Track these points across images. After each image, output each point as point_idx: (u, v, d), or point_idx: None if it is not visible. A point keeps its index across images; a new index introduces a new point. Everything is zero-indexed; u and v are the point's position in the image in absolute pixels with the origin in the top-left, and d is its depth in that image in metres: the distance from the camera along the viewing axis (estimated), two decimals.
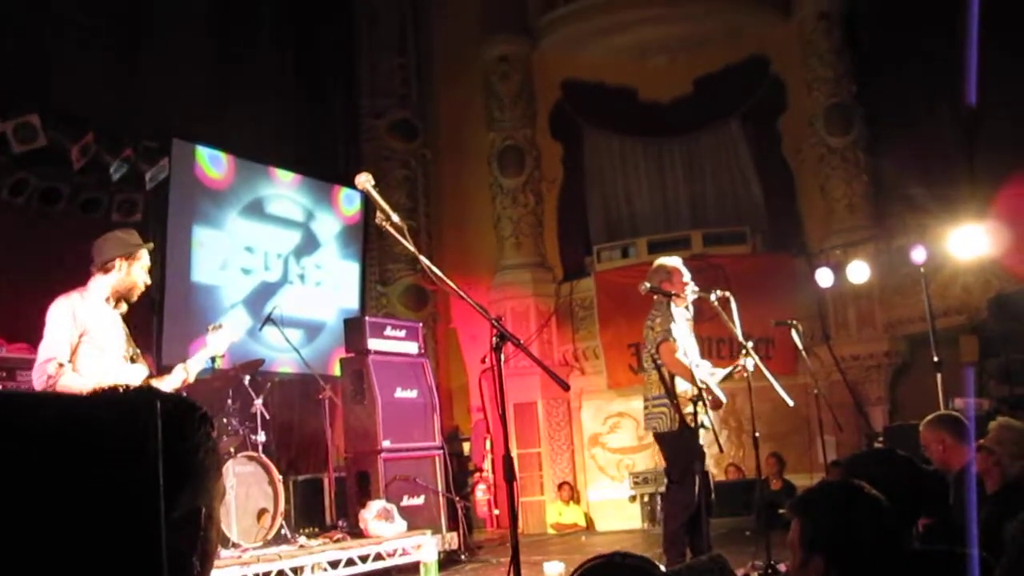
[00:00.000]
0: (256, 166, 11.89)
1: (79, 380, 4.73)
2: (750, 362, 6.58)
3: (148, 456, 1.14)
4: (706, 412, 6.39)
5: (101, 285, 5.06)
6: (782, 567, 6.47)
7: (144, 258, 5.20)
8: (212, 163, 11.27)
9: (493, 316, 3.94)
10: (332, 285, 12.72)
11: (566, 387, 3.96)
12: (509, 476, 3.62)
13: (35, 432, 1.07)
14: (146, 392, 1.22)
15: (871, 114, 12.75)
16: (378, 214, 3.91)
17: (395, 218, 3.87)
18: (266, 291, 11.68)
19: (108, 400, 1.17)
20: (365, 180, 3.96)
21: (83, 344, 4.85)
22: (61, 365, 4.67)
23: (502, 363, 3.69)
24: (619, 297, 12.61)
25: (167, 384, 5.07)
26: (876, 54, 12.80)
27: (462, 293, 3.96)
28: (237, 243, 11.45)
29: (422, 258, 3.79)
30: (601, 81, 13.92)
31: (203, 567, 1.32)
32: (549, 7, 13.93)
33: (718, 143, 13.88)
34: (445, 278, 3.88)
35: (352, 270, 13.08)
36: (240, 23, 12.30)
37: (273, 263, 11.94)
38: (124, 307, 5.14)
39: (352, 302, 12.94)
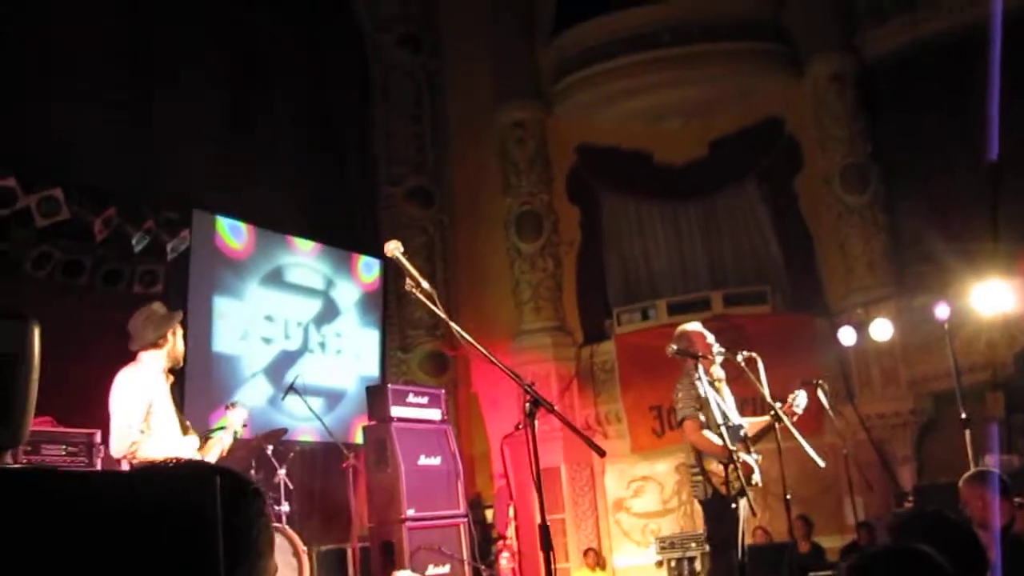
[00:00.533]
0: (275, 235, 11.95)
1: (157, 448, 4.87)
2: (800, 400, 6.52)
3: (208, 532, 1.11)
4: (737, 476, 6.30)
5: (155, 359, 5.29)
6: None
7: (179, 329, 5.37)
8: (232, 233, 11.33)
9: (521, 381, 3.90)
10: (352, 353, 12.70)
11: (602, 453, 3.92)
12: (546, 545, 3.56)
13: (102, 510, 1.05)
14: (204, 466, 1.20)
15: (888, 172, 12.75)
16: (407, 281, 3.91)
17: (425, 284, 3.87)
18: (287, 360, 11.66)
19: (168, 475, 1.14)
20: (395, 248, 3.97)
21: (150, 416, 4.99)
22: (142, 432, 4.85)
23: (535, 429, 3.64)
24: (640, 360, 12.56)
25: (210, 455, 5.17)
26: (891, 112, 12.85)
27: (494, 358, 3.93)
28: (257, 312, 11.46)
29: (453, 325, 3.77)
30: (616, 145, 14.00)
31: None
32: (562, 73, 14.06)
33: (735, 204, 13.91)
34: (476, 343, 3.85)
35: (372, 337, 13.07)
36: (256, 94, 12.45)
37: (293, 332, 11.94)
38: (171, 379, 5.33)
39: (372, 369, 12.90)
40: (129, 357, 5.60)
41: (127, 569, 1.06)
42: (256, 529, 1.29)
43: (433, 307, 3.86)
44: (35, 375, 1.25)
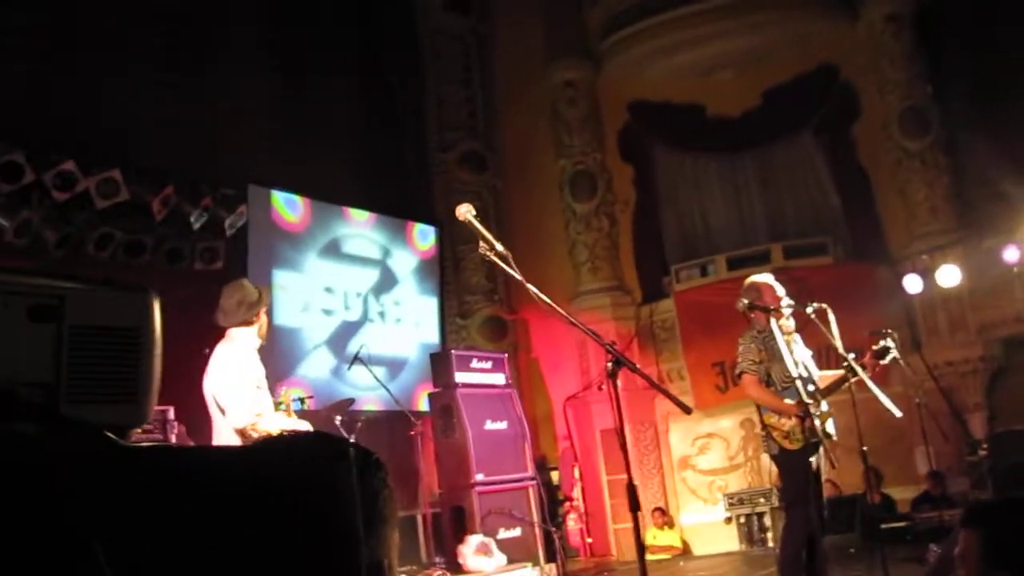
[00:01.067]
0: (331, 207, 11.99)
1: (269, 422, 4.88)
2: (889, 348, 6.40)
3: (346, 502, 1.08)
4: (813, 428, 6.20)
5: (247, 336, 5.29)
6: None
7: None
8: (288, 207, 11.38)
9: (602, 341, 3.84)
10: (412, 321, 12.74)
11: (688, 410, 3.85)
12: (634, 506, 3.52)
13: (240, 485, 1.02)
14: (335, 437, 1.17)
15: (949, 113, 12.45)
16: (481, 244, 3.86)
17: (499, 247, 3.81)
18: (347, 331, 11.72)
19: (301, 447, 1.11)
20: (467, 211, 3.91)
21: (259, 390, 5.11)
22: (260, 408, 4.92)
23: (618, 388, 3.59)
24: (701, 316, 12.47)
25: (304, 429, 5.22)
26: (949, 51, 12.52)
27: (573, 319, 3.88)
28: (317, 284, 11.52)
29: (531, 287, 3.71)
30: (668, 100, 13.81)
31: None
32: (611, 30, 13.86)
33: (792, 155, 13.67)
34: (554, 304, 3.80)
35: (431, 305, 13.09)
36: (306, 66, 12.42)
37: (353, 302, 11.99)
38: None
39: (432, 337, 12.93)
40: (197, 332, 5.66)
41: (272, 540, 1.03)
42: (382, 498, 1.26)
43: (509, 269, 3.80)
44: (158, 349, 1.21)
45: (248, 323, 5.28)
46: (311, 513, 1.06)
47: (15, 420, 1.06)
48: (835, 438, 6.41)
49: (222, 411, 5.02)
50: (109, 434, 1.05)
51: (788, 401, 6.29)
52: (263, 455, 1.17)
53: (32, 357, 1.11)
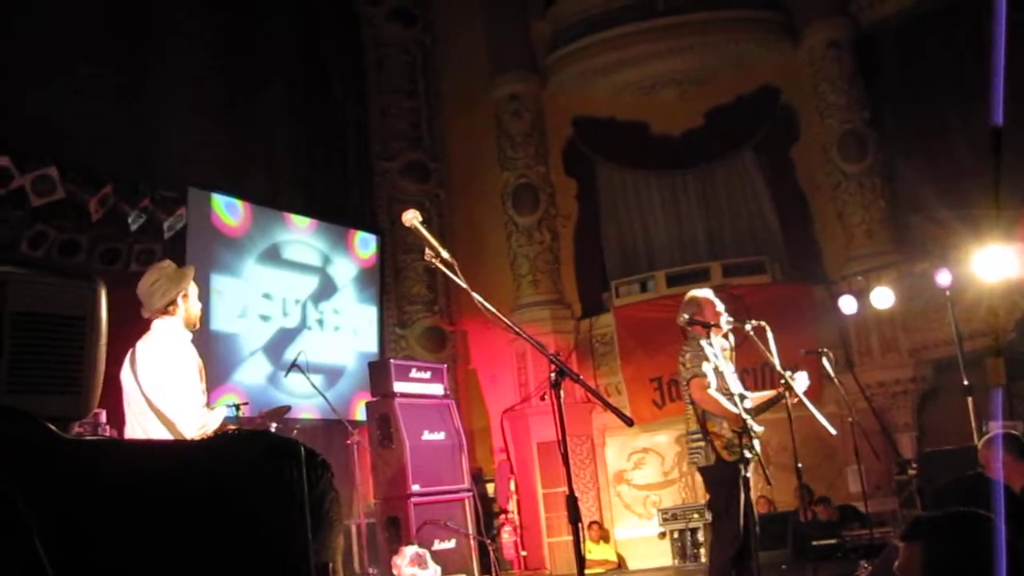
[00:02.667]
0: (272, 212, 11.87)
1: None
2: (801, 381, 6.45)
3: (296, 502, 1.05)
4: (750, 444, 6.26)
5: (169, 328, 4.94)
6: None
7: (193, 287, 5.09)
8: (228, 211, 11.24)
9: (546, 352, 3.83)
10: (350, 329, 12.65)
11: (630, 422, 3.85)
12: (574, 517, 3.50)
13: (187, 480, 0.99)
14: (285, 438, 1.14)
15: (887, 138, 12.69)
16: (427, 251, 3.82)
17: (445, 254, 3.79)
18: (285, 337, 11.60)
19: (249, 444, 1.08)
20: (412, 217, 3.87)
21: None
22: (205, 406, 4.71)
23: (561, 398, 3.58)
24: (639, 332, 12.55)
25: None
26: (889, 77, 12.78)
27: (517, 328, 3.87)
28: (255, 290, 11.38)
29: (476, 295, 3.69)
30: (612, 116, 13.92)
31: None
32: (556, 45, 13.95)
33: (732, 174, 13.84)
34: (499, 314, 3.79)
35: (370, 313, 13.01)
36: (249, 71, 12.32)
37: (291, 309, 11.88)
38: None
39: (371, 346, 12.85)
40: (132, 335, 5.38)
41: (219, 537, 1.00)
42: (328, 500, 1.24)
43: (455, 277, 3.78)
44: (103, 340, 1.17)
45: (167, 312, 4.93)
46: (259, 510, 1.03)
47: None
48: (758, 457, 6.43)
49: (168, 423, 4.76)
50: (50, 425, 1.02)
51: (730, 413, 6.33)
52: (211, 450, 1.14)
53: None
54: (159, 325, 4.92)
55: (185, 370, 4.79)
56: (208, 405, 5.09)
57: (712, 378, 6.38)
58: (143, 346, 4.85)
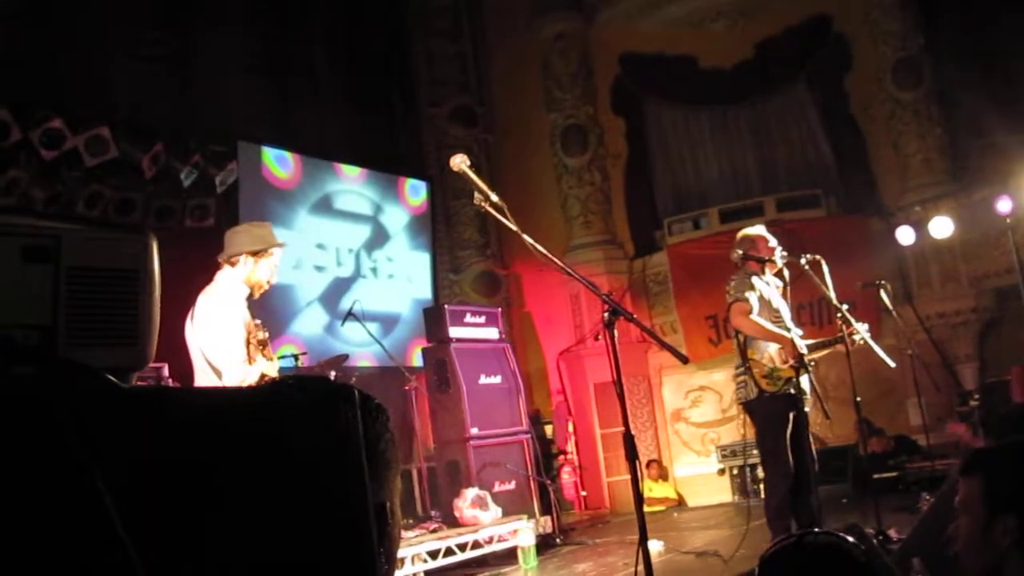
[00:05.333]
0: (322, 163, 11.91)
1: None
2: (863, 327, 6.39)
3: (353, 444, 1.07)
4: (806, 374, 6.20)
5: (229, 279, 5.05)
6: (892, 532, 6.31)
7: (275, 256, 5.14)
8: (279, 163, 11.30)
9: (599, 292, 3.82)
10: (404, 277, 12.72)
11: (685, 360, 3.85)
12: (631, 455, 3.52)
13: (246, 425, 1.01)
14: (341, 383, 1.15)
15: (942, 64, 12.36)
16: (476, 195, 3.82)
17: (494, 197, 3.78)
18: (340, 287, 11.70)
19: (307, 389, 1.10)
20: (460, 161, 3.86)
21: (249, 344, 4.93)
22: (247, 362, 4.75)
23: (615, 338, 3.58)
24: (693, 269, 12.47)
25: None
26: (943, 2, 12.42)
27: (569, 269, 3.86)
28: (309, 241, 11.47)
29: (526, 237, 3.69)
30: (660, 52, 13.70)
31: (389, 567, 1.25)
32: None
33: (784, 106, 13.58)
34: (550, 255, 3.78)
35: (423, 260, 13.06)
36: (290, 23, 12.31)
37: (345, 258, 11.96)
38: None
39: (425, 292, 12.92)
40: (190, 290, 5.48)
41: (279, 478, 1.02)
42: (384, 442, 1.25)
43: (505, 220, 3.77)
44: (157, 292, 1.19)
45: (231, 263, 5.05)
46: (317, 452, 1.05)
47: (13, 362, 1.04)
48: (809, 394, 6.38)
49: (216, 372, 4.88)
50: (109, 376, 1.04)
51: (775, 346, 6.28)
52: (267, 395, 1.16)
53: (28, 299, 1.09)
54: (219, 276, 5.04)
55: (230, 322, 4.85)
56: (269, 356, 5.17)
57: (755, 304, 6.31)
58: (201, 297, 4.97)
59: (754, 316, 6.25)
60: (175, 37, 10.59)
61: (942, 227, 11.06)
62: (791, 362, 6.20)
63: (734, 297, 6.40)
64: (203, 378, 4.88)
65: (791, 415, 6.29)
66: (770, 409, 6.30)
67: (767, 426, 6.39)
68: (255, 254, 5.04)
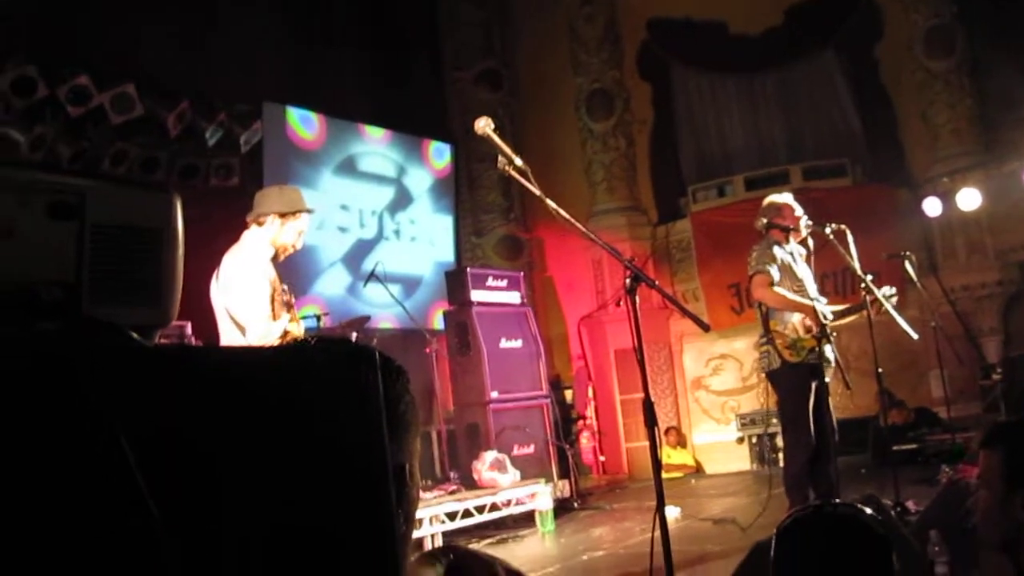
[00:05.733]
0: (346, 124, 11.91)
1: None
2: (890, 290, 6.38)
3: (373, 405, 1.07)
4: (828, 344, 6.19)
5: (257, 238, 5.09)
6: (911, 504, 6.31)
7: (302, 220, 5.21)
8: (303, 123, 11.31)
9: (621, 257, 3.80)
10: (427, 239, 12.74)
11: (706, 327, 3.84)
12: (651, 421, 3.53)
13: (266, 384, 1.01)
14: (360, 344, 1.16)
15: (975, 34, 12.18)
16: (500, 158, 3.81)
17: (518, 161, 3.76)
18: (362, 248, 11.74)
19: (327, 349, 1.10)
20: (485, 124, 3.84)
21: (273, 302, 5.00)
22: (274, 319, 4.81)
23: (636, 304, 3.57)
24: (717, 237, 12.41)
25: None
26: None
27: (592, 235, 3.85)
28: (332, 202, 11.50)
29: (549, 202, 3.67)
30: (688, 17, 13.57)
31: (407, 528, 1.26)
32: None
33: (813, 74, 13.42)
34: (574, 220, 3.77)
35: (446, 223, 13.07)
36: None
37: (368, 220, 11.99)
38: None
39: (448, 255, 12.94)
40: (214, 249, 5.53)
41: (298, 438, 1.02)
42: (404, 403, 1.25)
43: (528, 184, 3.76)
44: (180, 250, 1.20)
45: (259, 222, 5.12)
46: (336, 413, 1.06)
47: (37, 318, 1.05)
48: (833, 363, 6.38)
49: (240, 329, 4.94)
50: (132, 334, 1.05)
51: (798, 316, 6.28)
52: (289, 355, 1.16)
53: (53, 256, 1.10)
54: (246, 235, 5.11)
55: (255, 278, 4.92)
56: (294, 319, 5.22)
57: (776, 275, 6.31)
58: (227, 257, 5.03)
59: (776, 288, 6.24)
60: None
61: (970, 199, 10.96)
62: (815, 331, 6.18)
63: (755, 269, 6.40)
64: (228, 337, 4.95)
65: (813, 384, 6.29)
66: (793, 379, 6.30)
67: (789, 395, 6.40)
68: (283, 216, 5.11)
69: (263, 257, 5.09)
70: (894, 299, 6.44)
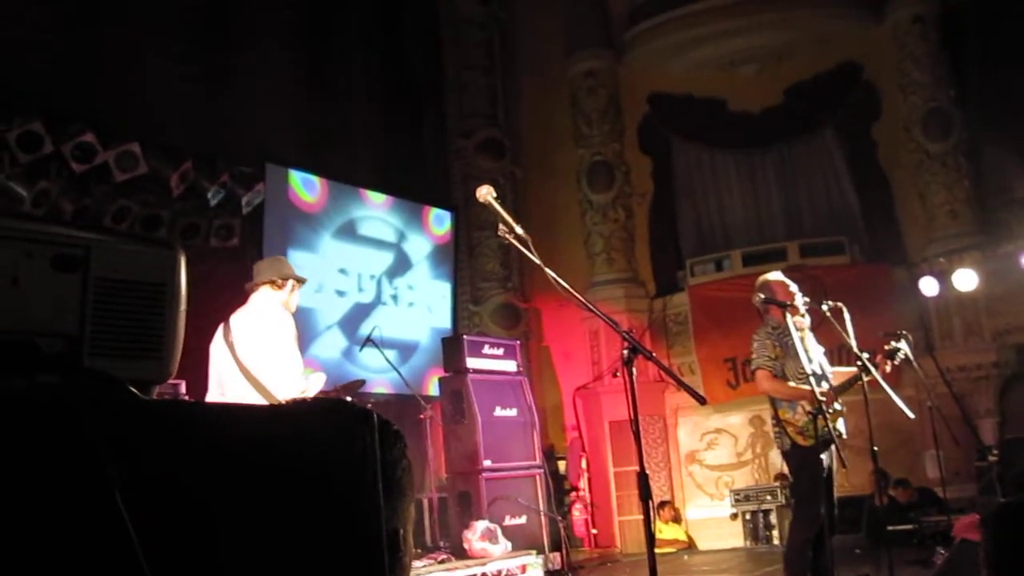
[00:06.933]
0: (348, 188, 11.97)
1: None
2: (903, 347, 6.39)
3: (369, 469, 1.07)
4: (831, 424, 6.16)
5: (271, 300, 5.17)
6: None
7: (299, 291, 5.45)
8: (305, 187, 11.36)
9: (619, 328, 3.80)
10: (424, 305, 12.73)
11: (703, 400, 3.83)
12: (645, 495, 3.50)
13: (265, 443, 1.01)
14: (359, 406, 1.16)
15: (971, 117, 12.36)
16: (500, 226, 3.82)
17: (519, 230, 3.78)
18: (360, 312, 11.72)
19: (326, 410, 1.10)
20: (487, 192, 3.87)
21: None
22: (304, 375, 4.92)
23: (633, 375, 3.57)
24: (714, 311, 12.44)
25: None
26: (975, 54, 12.43)
27: (590, 305, 3.85)
28: (331, 265, 11.51)
29: (549, 271, 3.68)
30: (689, 93, 13.77)
31: None
32: (633, 22, 13.85)
33: (811, 152, 13.60)
34: (572, 290, 3.78)
35: (444, 290, 13.08)
36: (329, 48, 12.43)
37: (367, 284, 11.99)
38: None
39: (445, 322, 12.92)
40: (212, 309, 5.57)
41: (294, 498, 1.02)
42: (400, 468, 1.25)
43: (528, 253, 3.77)
44: (183, 307, 1.20)
45: (274, 284, 5.26)
46: (334, 475, 1.05)
47: (38, 370, 1.05)
48: (845, 437, 6.39)
49: (258, 385, 4.92)
50: (132, 388, 1.04)
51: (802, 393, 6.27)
52: (289, 415, 1.16)
53: (56, 308, 1.10)
54: (260, 297, 5.17)
55: (285, 337, 4.99)
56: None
57: (777, 367, 6.33)
58: (240, 316, 5.06)
59: (777, 380, 6.29)
60: (211, 55, 10.69)
61: (966, 280, 11.01)
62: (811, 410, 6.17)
63: (756, 364, 6.44)
64: (230, 393, 4.94)
65: (825, 460, 6.30)
66: (806, 458, 6.30)
67: (803, 472, 6.39)
68: (298, 282, 5.32)
69: (286, 313, 5.20)
70: (899, 355, 6.45)
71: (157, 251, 1.21)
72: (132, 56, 9.71)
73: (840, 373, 6.67)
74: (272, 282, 5.26)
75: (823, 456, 6.25)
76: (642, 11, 13.67)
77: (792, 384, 6.28)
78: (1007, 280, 11.37)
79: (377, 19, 13.38)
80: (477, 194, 3.92)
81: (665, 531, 12.28)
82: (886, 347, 6.41)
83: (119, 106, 9.52)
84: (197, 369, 5.54)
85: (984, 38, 12.35)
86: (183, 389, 7.50)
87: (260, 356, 4.94)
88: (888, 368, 6.40)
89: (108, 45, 9.49)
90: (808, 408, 6.22)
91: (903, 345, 6.43)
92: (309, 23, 12.07)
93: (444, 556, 7.97)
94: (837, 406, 6.42)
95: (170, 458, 0.99)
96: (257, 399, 4.83)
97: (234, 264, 9.50)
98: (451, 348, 9.54)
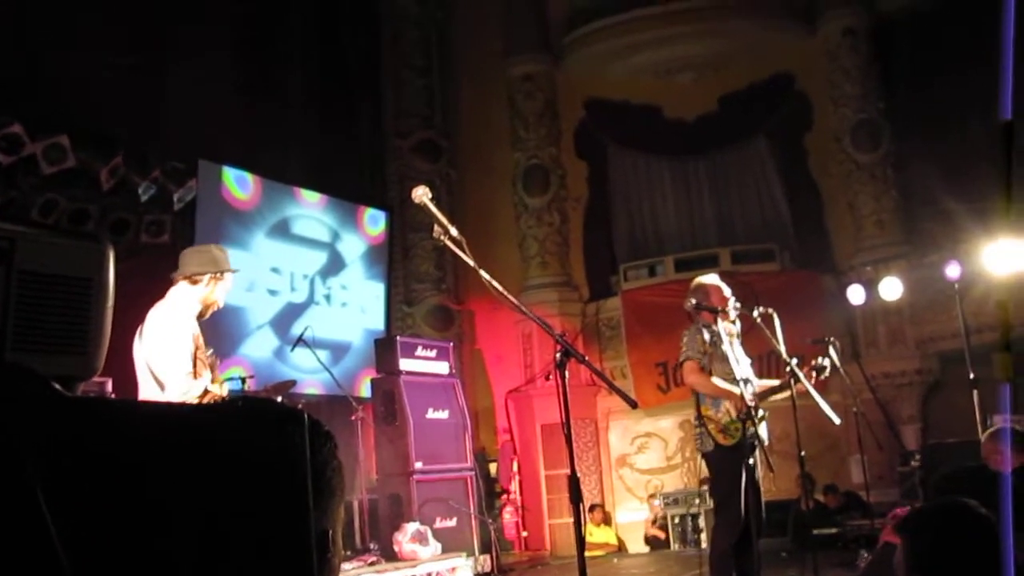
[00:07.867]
0: (282, 187, 11.85)
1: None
2: (825, 362, 6.47)
3: (298, 470, 1.05)
4: (755, 427, 6.24)
5: (185, 296, 5.07)
6: None
7: (229, 280, 5.22)
8: (238, 184, 11.23)
9: (552, 332, 3.81)
10: (357, 306, 12.65)
11: (634, 404, 3.85)
12: (576, 497, 3.50)
13: (191, 441, 0.99)
14: (289, 406, 1.14)
15: (900, 129, 12.64)
16: (435, 228, 3.81)
17: (454, 232, 3.77)
18: (292, 312, 11.61)
19: (254, 409, 1.08)
20: (423, 193, 3.85)
21: (196, 361, 4.95)
22: (193, 376, 4.77)
23: (566, 379, 3.58)
24: (646, 316, 12.54)
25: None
26: (904, 67, 12.71)
27: (525, 309, 3.86)
28: (264, 264, 11.39)
29: (483, 273, 3.67)
30: (626, 99, 13.88)
31: None
32: (572, 26, 13.92)
33: (744, 160, 13.80)
34: (507, 293, 3.77)
35: (377, 291, 13.00)
36: (266, 46, 12.30)
37: (299, 284, 11.88)
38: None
39: (378, 323, 12.85)
40: (140, 305, 5.46)
41: (220, 498, 1.00)
42: (331, 468, 1.24)
43: (463, 255, 3.76)
44: (110, 302, 1.18)
45: (190, 280, 5.10)
46: (261, 475, 1.04)
47: None
48: (767, 443, 6.44)
49: (159, 384, 4.86)
50: (55, 384, 1.02)
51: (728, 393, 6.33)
52: (217, 414, 1.14)
53: None
54: (174, 291, 5.06)
55: (179, 335, 4.88)
56: (216, 377, 5.17)
57: (705, 362, 6.38)
58: (152, 311, 4.97)
59: (704, 375, 6.32)
60: (145, 48, 10.51)
61: (892, 288, 11.23)
62: (737, 413, 6.24)
63: (684, 356, 6.46)
64: (147, 393, 4.87)
65: (745, 464, 6.33)
66: (726, 460, 6.32)
67: (722, 475, 6.41)
68: (216, 276, 5.11)
69: (190, 313, 5.05)
70: (826, 372, 6.54)
71: (84, 245, 1.18)
72: (62, 46, 9.50)
73: (765, 384, 6.74)
74: (188, 278, 5.14)
75: (748, 460, 6.31)
76: (581, 16, 13.76)
77: (717, 381, 6.32)
78: (931, 290, 11.62)
79: (317, 16, 13.26)
80: (413, 195, 3.90)
81: (595, 534, 12.34)
82: (813, 362, 6.49)
83: (48, 98, 9.32)
84: (124, 368, 5.43)
85: (913, 52, 12.64)
86: (109, 387, 7.37)
87: (155, 350, 4.88)
88: (814, 381, 6.48)
89: (37, 34, 9.29)
90: (730, 408, 6.29)
91: (827, 362, 6.52)
92: (247, 18, 11.93)
93: (374, 558, 7.92)
94: (760, 412, 6.49)
95: (93, 456, 0.96)
96: (158, 395, 4.80)
97: (164, 260, 9.35)
98: (384, 349, 9.48)
